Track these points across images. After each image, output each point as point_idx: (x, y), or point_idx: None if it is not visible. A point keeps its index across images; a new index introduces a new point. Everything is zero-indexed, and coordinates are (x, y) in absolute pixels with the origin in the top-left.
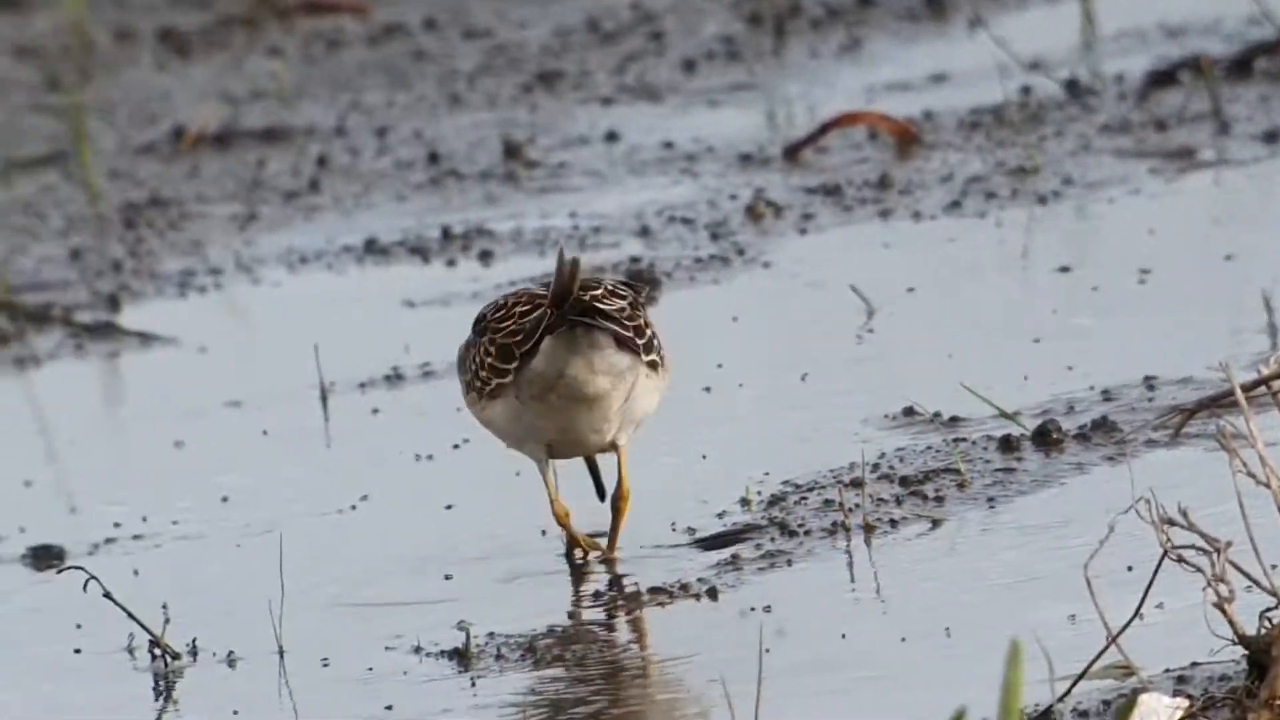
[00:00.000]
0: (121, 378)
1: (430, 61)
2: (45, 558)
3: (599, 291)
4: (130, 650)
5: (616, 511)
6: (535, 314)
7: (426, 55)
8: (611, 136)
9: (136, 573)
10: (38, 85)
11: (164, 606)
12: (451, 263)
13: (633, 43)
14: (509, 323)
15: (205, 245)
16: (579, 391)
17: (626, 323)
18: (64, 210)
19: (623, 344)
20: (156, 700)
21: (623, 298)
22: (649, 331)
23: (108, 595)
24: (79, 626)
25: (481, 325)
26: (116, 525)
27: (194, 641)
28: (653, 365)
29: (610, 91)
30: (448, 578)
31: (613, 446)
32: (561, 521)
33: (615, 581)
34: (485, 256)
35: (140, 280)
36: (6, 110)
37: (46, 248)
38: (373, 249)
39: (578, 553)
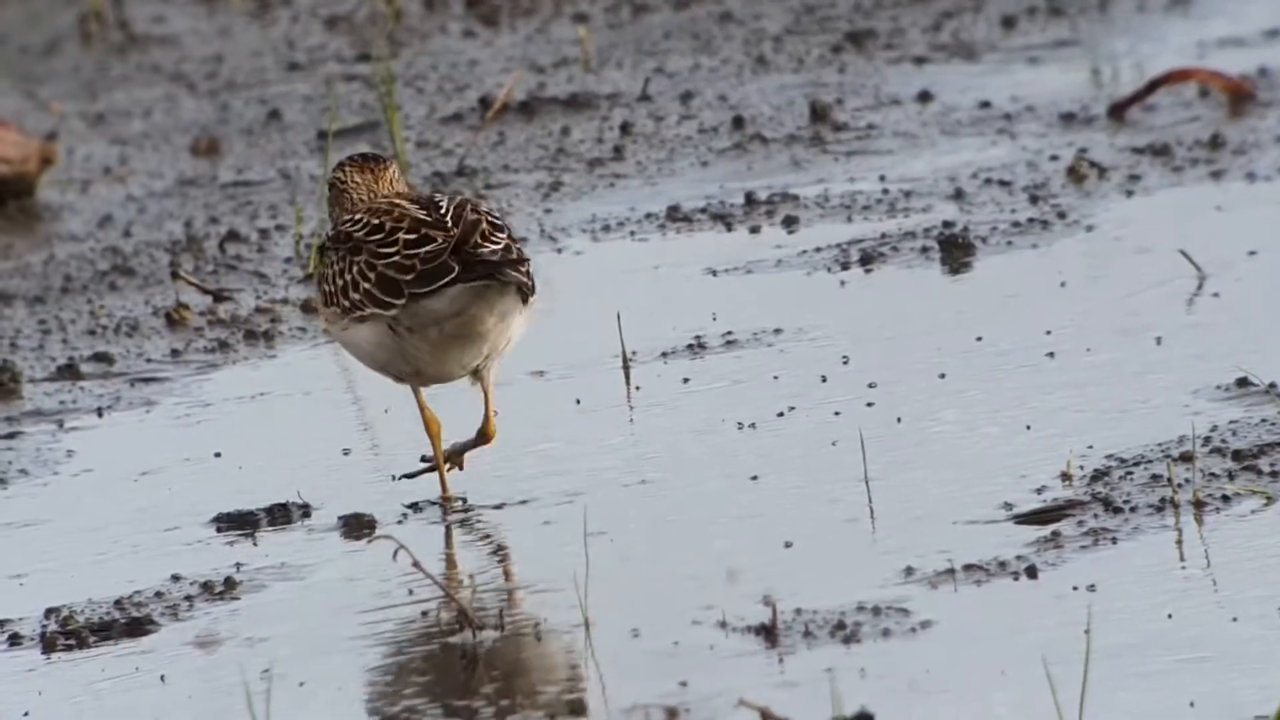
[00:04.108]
0: None
1: (736, 23)
2: (357, 526)
3: (486, 230)
4: (439, 620)
5: (484, 437)
6: (427, 250)
7: (733, 17)
8: (924, 96)
9: (445, 542)
10: (349, 56)
11: (471, 577)
12: (755, 229)
13: None
14: (392, 249)
15: (510, 214)
16: (471, 330)
17: (521, 266)
18: None
19: (520, 289)
20: (464, 670)
21: (500, 229)
22: (528, 265)
23: (417, 564)
24: (410, 593)
25: (349, 243)
26: (427, 493)
27: (500, 612)
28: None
29: (923, 50)
30: (754, 551)
31: (477, 374)
32: (432, 433)
33: (929, 558)
34: (790, 222)
35: None
36: (319, 81)
37: None
38: (675, 216)
39: (432, 468)
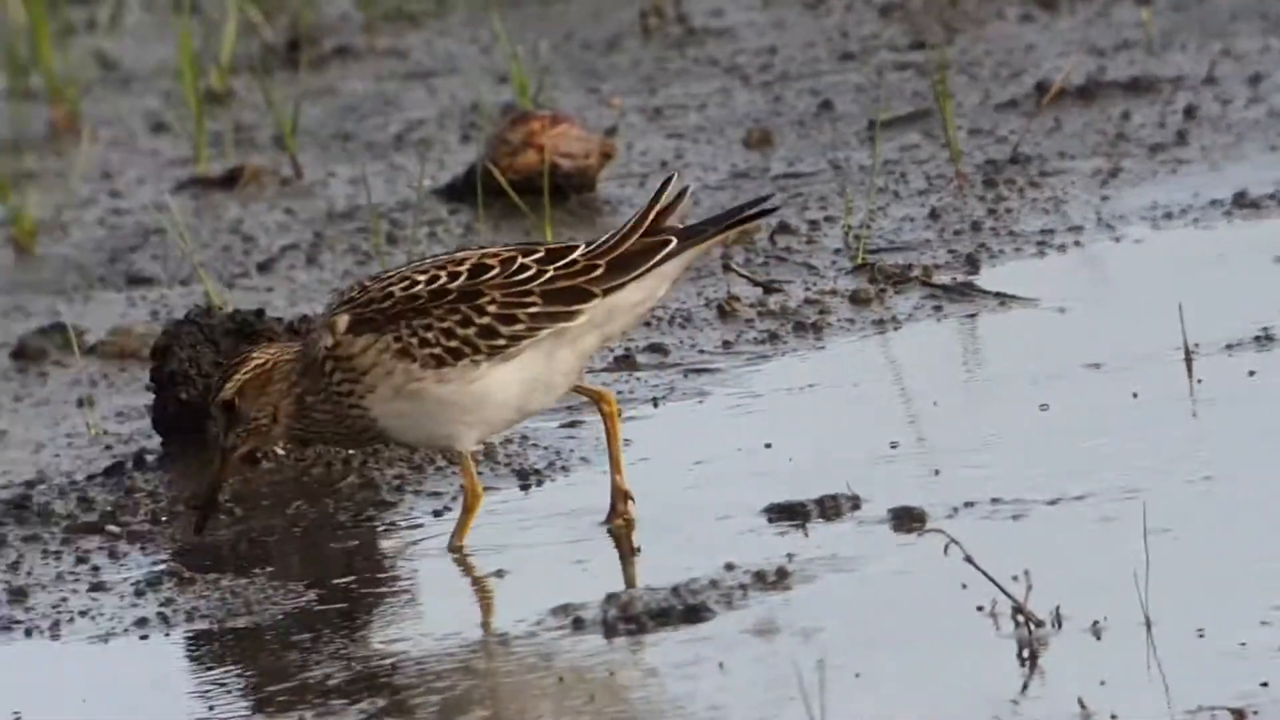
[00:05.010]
0: (980, 338)
1: None
2: (907, 519)
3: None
4: (993, 616)
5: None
6: (600, 244)
7: None
8: None
9: (997, 537)
10: (902, 44)
11: (1025, 573)
12: None
13: None
14: (516, 273)
15: (1064, 202)
16: (643, 314)
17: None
18: (924, 169)
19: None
20: (1021, 667)
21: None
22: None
23: (969, 560)
24: (964, 588)
25: (447, 297)
26: (979, 489)
27: (1057, 609)
28: None
29: None
30: None
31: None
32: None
33: None
34: None
35: (999, 239)
36: (871, 70)
37: (906, 208)
38: (1241, 202)
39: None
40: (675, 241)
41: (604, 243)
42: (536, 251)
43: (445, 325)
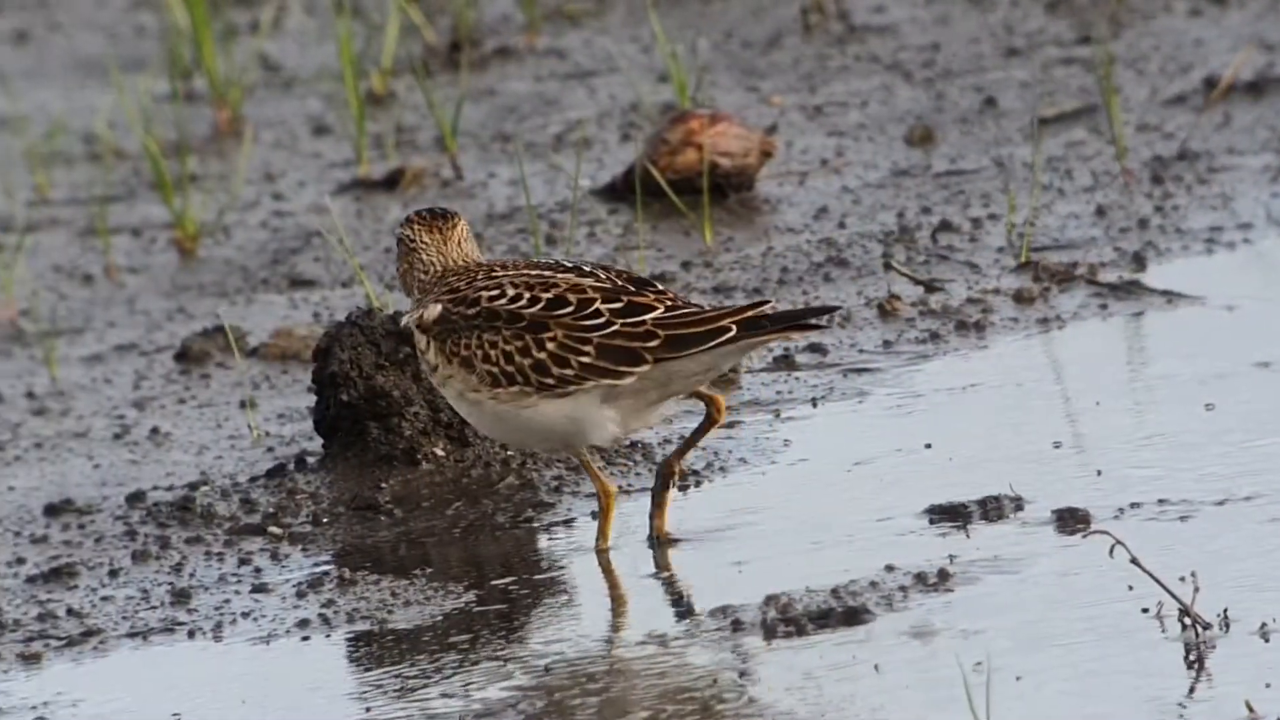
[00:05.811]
0: (1146, 337)
1: None
2: (1070, 520)
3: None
4: (1159, 618)
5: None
6: (673, 315)
7: None
8: None
9: (1163, 539)
10: (1068, 39)
11: (1192, 574)
12: None
13: None
14: (586, 318)
15: (1233, 199)
16: (699, 382)
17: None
18: (1090, 166)
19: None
20: (1188, 669)
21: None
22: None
23: (1134, 561)
24: (1129, 589)
25: (520, 322)
26: (1144, 490)
27: (1224, 612)
28: None
29: None
30: None
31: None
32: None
33: None
34: None
35: (1166, 237)
36: (1036, 66)
37: (1071, 205)
38: None
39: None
40: (734, 331)
41: (681, 313)
42: (618, 300)
43: (508, 348)
